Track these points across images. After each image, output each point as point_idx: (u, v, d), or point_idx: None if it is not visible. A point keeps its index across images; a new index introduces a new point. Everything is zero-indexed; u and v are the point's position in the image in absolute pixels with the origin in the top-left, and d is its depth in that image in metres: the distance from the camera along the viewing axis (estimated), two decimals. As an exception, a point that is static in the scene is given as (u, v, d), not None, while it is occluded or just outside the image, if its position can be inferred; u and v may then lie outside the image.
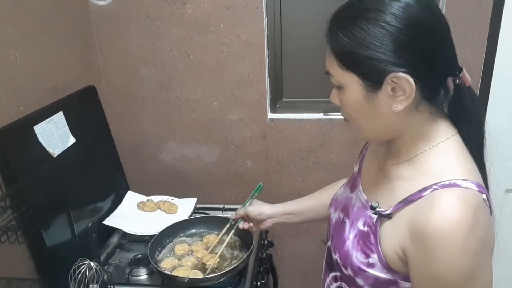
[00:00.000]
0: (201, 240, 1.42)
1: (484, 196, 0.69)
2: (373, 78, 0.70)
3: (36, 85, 1.31)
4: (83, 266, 1.03)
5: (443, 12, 1.54)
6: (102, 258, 1.35)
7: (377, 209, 0.76)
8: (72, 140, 1.39)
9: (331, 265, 0.91)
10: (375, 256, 0.76)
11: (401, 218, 0.72)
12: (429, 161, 0.73)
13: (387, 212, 0.74)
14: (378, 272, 0.76)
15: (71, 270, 1.03)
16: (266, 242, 1.63)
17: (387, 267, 0.75)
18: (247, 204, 1.26)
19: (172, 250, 1.39)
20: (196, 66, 1.69)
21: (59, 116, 1.35)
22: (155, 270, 1.27)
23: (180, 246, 1.39)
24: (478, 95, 1.62)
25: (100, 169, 1.59)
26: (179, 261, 1.33)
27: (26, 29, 1.27)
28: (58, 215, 1.24)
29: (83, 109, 1.53)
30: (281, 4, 1.65)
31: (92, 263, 1.04)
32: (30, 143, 1.22)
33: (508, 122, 1.68)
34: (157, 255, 1.37)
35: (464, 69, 0.73)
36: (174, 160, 1.85)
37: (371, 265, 0.76)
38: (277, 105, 1.78)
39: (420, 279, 0.70)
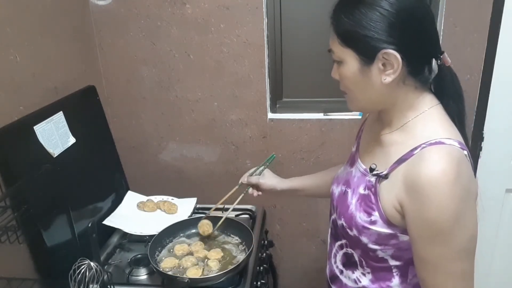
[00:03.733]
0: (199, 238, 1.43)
1: (465, 152, 0.82)
2: (367, 54, 0.82)
3: (36, 85, 1.31)
4: (83, 266, 1.03)
5: (443, 13, 1.55)
6: (102, 258, 1.35)
7: (375, 171, 0.88)
8: (72, 140, 1.39)
9: (336, 236, 1.03)
10: (376, 213, 0.87)
11: (396, 176, 0.84)
12: (418, 127, 0.86)
13: (385, 172, 0.87)
14: (379, 228, 0.87)
15: (71, 270, 1.03)
16: (266, 242, 1.63)
17: (387, 222, 0.86)
18: (259, 171, 1.32)
19: (172, 250, 1.39)
20: (196, 66, 1.69)
21: (59, 116, 1.35)
22: (155, 270, 1.27)
23: (180, 246, 1.39)
24: (478, 95, 1.62)
25: (100, 169, 1.58)
26: (179, 261, 1.33)
27: (26, 29, 1.27)
28: (58, 215, 1.23)
29: (83, 109, 1.53)
30: (281, 4, 1.65)
31: (92, 263, 1.04)
32: (30, 143, 1.22)
33: (508, 122, 1.68)
34: (157, 255, 1.37)
35: (445, 52, 0.85)
36: (174, 160, 1.85)
37: (373, 222, 0.88)
38: (277, 105, 1.78)
39: (416, 226, 0.81)
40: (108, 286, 1.13)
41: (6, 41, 1.19)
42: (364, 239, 0.90)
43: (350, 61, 0.84)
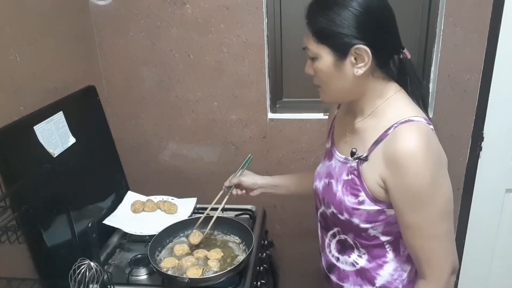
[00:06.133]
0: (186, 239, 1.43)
1: (431, 126, 0.93)
2: (341, 49, 0.91)
3: (36, 85, 1.31)
4: (83, 266, 1.03)
5: (443, 13, 1.55)
6: (102, 258, 1.35)
7: (355, 154, 0.98)
8: (72, 140, 1.39)
9: (327, 227, 1.11)
10: (362, 194, 0.96)
11: (376, 155, 0.94)
12: (387, 110, 0.96)
13: (365, 155, 0.96)
14: (368, 207, 0.96)
15: (71, 270, 1.03)
16: (266, 242, 1.63)
17: (374, 200, 0.95)
18: (239, 174, 1.39)
19: (172, 250, 1.39)
20: (196, 66, 1.69)
21: (59, 116, 1.35)
22: (155, 270, 1.27)
23: (179, 246, 1.39)
24: (478, 95, 1.62)
25: (100, 169, 1.59)
26: (179, 261, 1.33)
27: (26, 29, 1.27)
28: (58, 215, 1.23)
29: (83, 109, 1.53)
30: (281, 4, 1.65)
31: (92, 263, 1.04)
32: (30, 143, 1.22)
33: (508, 122, 1.68)
34: (157, 255, 1.37)
35: (405, 48, 0.97)
36: (174, 160, 1.85)
37: (361, 203, 0.97)
38: (277, 105, 1.78)
39: (399, 196, 0.91)
40: (108, 286, 1.13)
41: (6, 41, 1.19)
42: (356, 220, 0.98)
43: (325, 57, 0.93)
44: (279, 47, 1.70)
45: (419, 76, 1.00)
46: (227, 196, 1.38)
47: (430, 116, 1.66)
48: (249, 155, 1.46)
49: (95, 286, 1.06)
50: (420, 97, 0.99)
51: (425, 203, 0.89)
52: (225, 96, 1.72)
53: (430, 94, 1.67)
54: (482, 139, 1.70)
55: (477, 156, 1.72)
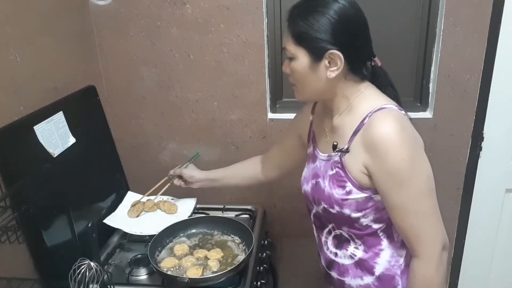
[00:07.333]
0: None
1: (402, 112, 1.01)
2: (316, 53, 0.98)
3: (36, 85, 1.31)
4: (83, 266, 1.03)
5: (443, 13, 1.55)
6: (102, 258, 1.35)
7: (337, 147, 1.03)
8: (72, 140, 1.39)
9: (321, 225, 1.16)
10: (349, 184, 1.02)
11: (356, 145, 1.00)
12: (360, 103, 1.03)
13: (346, 147, 1.02)
14: (355, 195, 1.02)
15: (71, 270, 1.03)
16: (266, 242, 1.63)
17: (360, 187, 1.01)
18: (184, 166, 1.55)
19: (172, 250, 1.39)
20: (196, 66, 1.69)
21: (59, 116, 1.35)
22: (155, 270, 1.28)
23: (179, 246, 1.39)
24: (478, 95, 1.62)
25: (100, 169, 1.59)
26: (179, 261, 1.33)
27: (26, 29, 1.27)
28: (58, 215, 1.23)
29: (83, 109, 1.53)
30: (281, 4, 1.64)
31: (92, 263, 1.04)
32: (30, 143, 1.22)
33: (508, 122, 1.68)
34: (157, 255, 1.37)
35: (376, 56, 1.05)
36: (174, 160, 1.85)
37: (349, 193, 1.02)
38: (277, 105, 1.78)
39: (382, 179, 0.97)
40: (108, 286, 1.13)
41: (6, 41, 1.19)
42: (347, 211, 1.03)
43: (301, 58, 1.00)
44: (279, 47, 1.70)
45: (390, 80, 1.08)
46: (168, 184, 1.56)
47: (430, 116, 1.67)
48: (197, 151, 1.70)
49: (95, 286, 1.06)
50: (394, 97, 1.06)
51: (406, 181, 0.95)
52: (225, 96, 1.72)
53: (430, 94, 1.67)
54: (482, 139, 1.70)
55: (477, 156, 1.73)
